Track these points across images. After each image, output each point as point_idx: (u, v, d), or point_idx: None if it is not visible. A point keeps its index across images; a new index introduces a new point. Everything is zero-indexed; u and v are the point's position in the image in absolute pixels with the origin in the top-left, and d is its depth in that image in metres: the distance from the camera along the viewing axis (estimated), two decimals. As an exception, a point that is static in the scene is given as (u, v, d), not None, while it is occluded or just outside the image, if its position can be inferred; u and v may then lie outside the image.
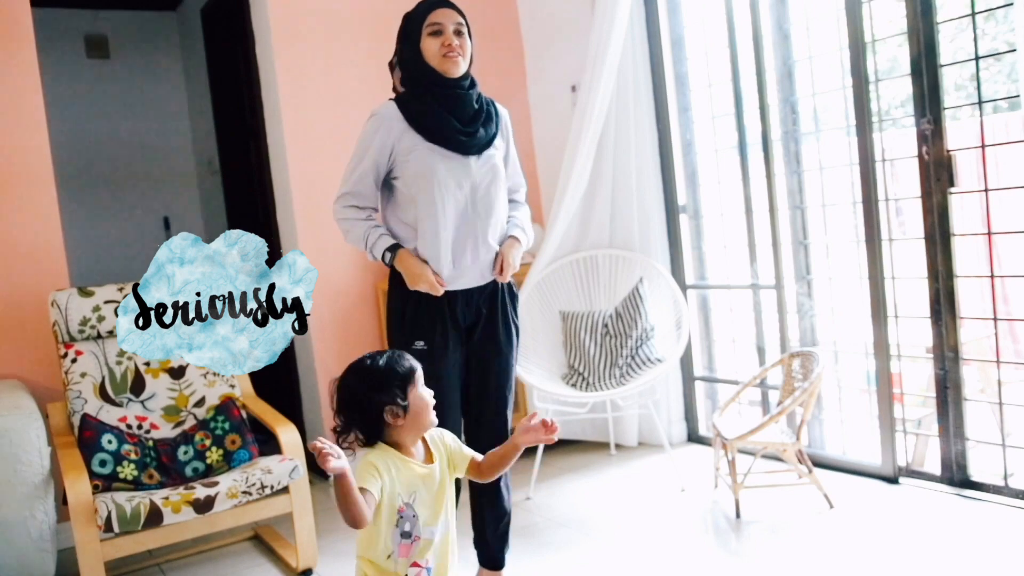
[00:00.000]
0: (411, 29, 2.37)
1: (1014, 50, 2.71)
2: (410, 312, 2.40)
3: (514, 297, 2.53)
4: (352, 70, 3.98)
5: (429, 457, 1.84)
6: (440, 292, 2.34)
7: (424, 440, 1.86)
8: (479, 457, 1.92)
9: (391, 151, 2.36)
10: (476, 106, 2.40)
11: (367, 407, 1.76)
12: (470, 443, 2.46)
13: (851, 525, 2.81)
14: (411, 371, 1.81)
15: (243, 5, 4.09)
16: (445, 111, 2.35)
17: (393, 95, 2.47)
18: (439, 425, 2.34)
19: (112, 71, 5.60)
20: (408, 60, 2.39)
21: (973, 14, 2.78)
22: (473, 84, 2.42)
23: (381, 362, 1.80)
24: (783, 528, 2.86)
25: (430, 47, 2.33)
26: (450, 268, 2.36)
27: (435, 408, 2.31)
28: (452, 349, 2.40)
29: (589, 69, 3.55)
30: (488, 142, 2.41)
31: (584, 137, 3.56)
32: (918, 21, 2.86)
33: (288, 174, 3.89)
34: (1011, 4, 2.69)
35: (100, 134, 5.53)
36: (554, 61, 4.19)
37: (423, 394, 1.81)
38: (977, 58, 2.78)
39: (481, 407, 2.49)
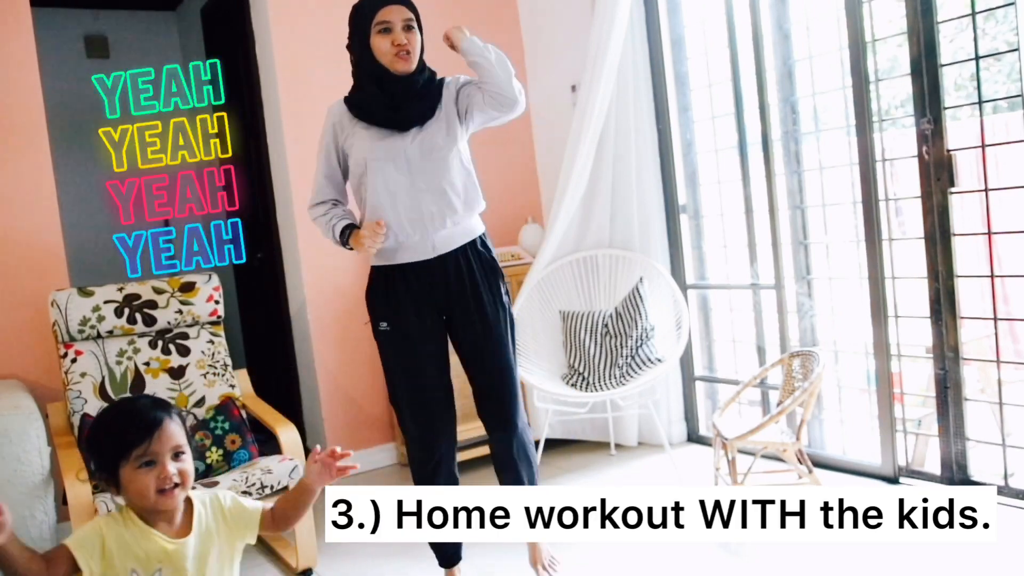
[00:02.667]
0: (360, 24, 2.34)
1: (1014, 50, 2.71)
2: (375, 296, 2.42)
3: (491, 271, 2.45)
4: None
5: (186, 529, 1.64)
6: (381, 233, 2.28)
7: (191, 506, 1.67)
8: (270, 506, 1.73)
9: (339, 143, 2.40)
10: (424, 88, 2.38)
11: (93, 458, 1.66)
12: (482, 416, 2.48)
13: (851, 525, 2.81)
14: (125, 446, 1.59)
15: (243, 5, 4.09)
16: (384, 95, 2.34)
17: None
18: (418, 407, 2.28)
19: (112, 71, 5.59)
20: (358, 54, 2.38)
21: (973, 14, 2.78)
22: (422, 72, 2.39)
23: (106, 423, 1.66)
24: (783, 528, 2.85)
25: (380, 45, 2.30)
26: (394, 242, 2.36)
27: (410, 392, 2.21)
28: (420, 326, 2.39)
29: (589, 69, 3.55)
30: (427, 114, 2.36)
31: (584, 137, 3.56)
32: (918, 21, 2.86)
33: (288, 174, 3.89)
34: (1011, 4, 2.69)
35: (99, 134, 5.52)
36: (554, 61, 4.19)
37: (141, 478, 1.58)
38: (977, 58, 2.77)
39: (483, 382, 2.47)
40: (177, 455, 1.63)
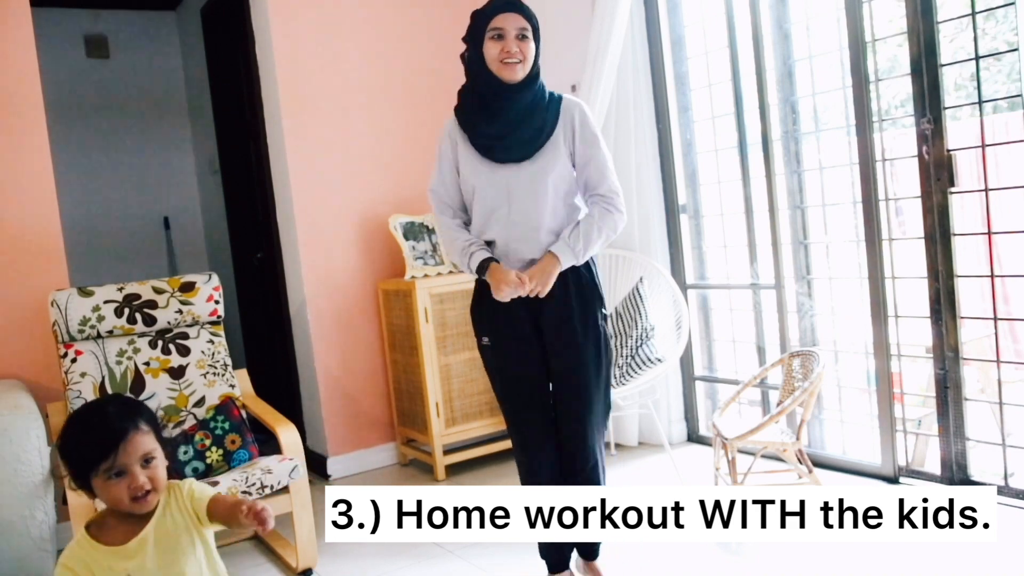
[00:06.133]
0: (476, 27, 2.33)
1: (1014, 50, 2.71)
2: (478, 311, 2.45)
3: (589, 295, 2.39)
4: (352, 70, 3.99)
5: (143, 522, 1.66)
6: (526, 289, 2.28)
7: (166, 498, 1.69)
8: (214, 494, 1.71)
9: (454, 161, 2.41)
10: (528, 111, 2.33)
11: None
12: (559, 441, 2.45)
13: (851, 525, 2.81)
14: (91, 462, 1.60)
15: (243, 5, 4.09)
16: (489, 117, 2.33)
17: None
18: (516, 417, 2.37)
19: (112, 71, 5.60)
20: (471, 60, 2.36)
21: (973, 14, 2.78)
22: (530, 86, 2.34)
23: (72, 435, 1.65)
24: (783, 528, 2.85)
25: (491, 51, 2.29)
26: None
27: (510, 404, 2.29)
28: (518, 344, 2.39)
29: (589, 69, 3.55)
30: (533, 147, 2.33)
31: (584, 137, 3.56)
32: (918, 21, 2.86)
33: (288, 174, 3.89)
34: (1011, 4, 2.69)
35: (100, 134, 5.53)
36: (554, 61, 4.18)
37: (112, 488, 1.61)
38: (977, 58, 2.77)
39: (559, 411, 2.44)
40: (147, 461, 1.64)
